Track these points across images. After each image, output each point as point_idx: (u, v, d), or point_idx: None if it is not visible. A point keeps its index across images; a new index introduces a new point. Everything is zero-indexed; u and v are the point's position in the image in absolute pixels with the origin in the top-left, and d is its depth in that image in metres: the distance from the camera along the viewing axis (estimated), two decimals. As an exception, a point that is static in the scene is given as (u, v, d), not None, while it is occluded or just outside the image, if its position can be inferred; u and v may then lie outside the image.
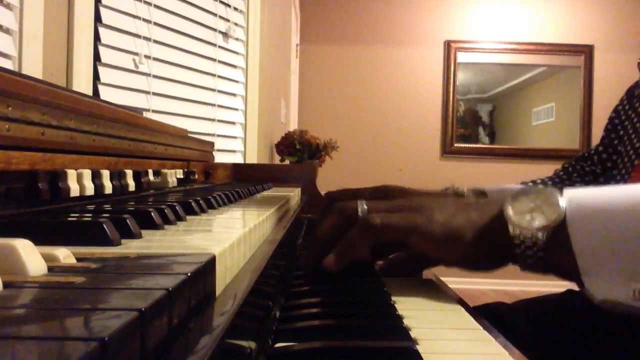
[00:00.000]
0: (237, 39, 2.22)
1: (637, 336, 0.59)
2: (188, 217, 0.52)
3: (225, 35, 2.13)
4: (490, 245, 0.53)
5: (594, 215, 0.48)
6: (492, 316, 0.79)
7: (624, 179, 0.80)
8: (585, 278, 0.47)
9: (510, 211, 0.51)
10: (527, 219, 0.50)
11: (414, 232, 0.54)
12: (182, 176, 0.95)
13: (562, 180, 0.95)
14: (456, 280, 1.18)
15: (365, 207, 0.57)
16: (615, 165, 0.89)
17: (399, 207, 0.56)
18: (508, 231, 0.50)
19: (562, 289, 0.82)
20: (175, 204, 0.51)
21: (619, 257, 0.46)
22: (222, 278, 0.34)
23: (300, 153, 2.63)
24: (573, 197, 0.50)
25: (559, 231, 0.49)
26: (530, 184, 0.95)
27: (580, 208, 0.49)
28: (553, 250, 0.49)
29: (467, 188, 0.74)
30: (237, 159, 2.26)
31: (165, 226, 0.45)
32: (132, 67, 1.58)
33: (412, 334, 0.43)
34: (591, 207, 0.49)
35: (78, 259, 0.30)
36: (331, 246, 0.57)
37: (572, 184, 0.94)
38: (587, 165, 0.97)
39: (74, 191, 0.53)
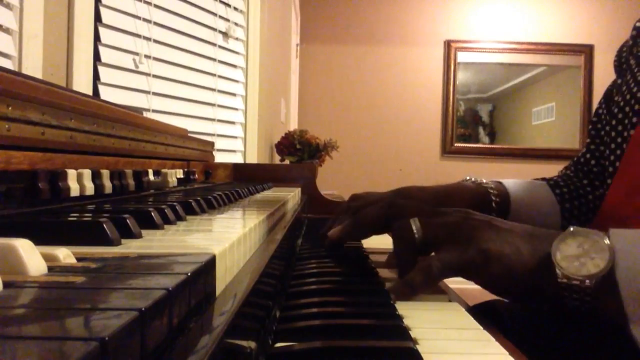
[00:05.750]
0: (237, 39, 2.22)
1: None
2: (188, 217, 0.52)
3: (225, 35, 2.13)
4: (538, 287, 0.52)
5: None
6: (490, 314, 0.79)
7: (607, 183, 0.79)
8: (632, 325, 0.45)
9: (558, 255, 0.49)
10: (575, 265, 0.48)
11: (470, 271, 0.54)
12: (182, 176, 0.95)
13: (569, 179, 0.95)
14: (456, 280, 1.18)
15: (419, 224, 0.57)
16: (602, 170, 0.88)
17: (454, 229, 0.55)
18: (555, 275, 0.49)
19: None
20: (175, 203, 0.51)
21: None
22: (222, 278, 0.34)
23: (300, 153, 2.63)
24: (622, 240, 0.48)
25: (607, 277, 0.47)
26: (542, 181, 0.95)
27: (629, 253, 0.47)
28: (600, 296, 0.48)
29: (486, 180, 0.74)
30: (237, 158, 2.26)
31: (166, 226, 0.45)
32: (132, 67, 1.58)
33: (412, 334, 0.43)
34: None
35: (78, 259, 0.30)
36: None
37: (579, 182, 0.93)
38: (585, 168, 0.96)
39: (74, 191, 0.52)
